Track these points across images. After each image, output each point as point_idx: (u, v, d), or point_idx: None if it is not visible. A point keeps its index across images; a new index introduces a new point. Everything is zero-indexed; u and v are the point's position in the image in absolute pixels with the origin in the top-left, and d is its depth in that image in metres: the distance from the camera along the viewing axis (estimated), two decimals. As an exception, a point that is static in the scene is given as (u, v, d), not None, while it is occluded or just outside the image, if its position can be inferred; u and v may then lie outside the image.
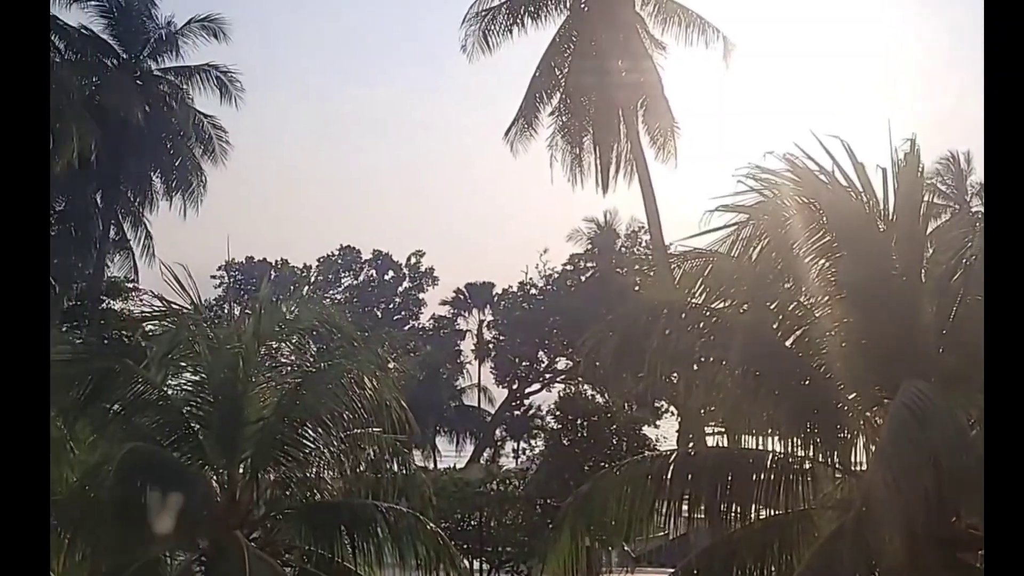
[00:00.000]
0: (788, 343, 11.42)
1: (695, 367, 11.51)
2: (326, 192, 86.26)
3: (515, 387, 56.35)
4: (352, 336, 14.43)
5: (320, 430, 12.93)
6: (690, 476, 11.48)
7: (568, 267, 55.14)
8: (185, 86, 35.93)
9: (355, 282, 60.21)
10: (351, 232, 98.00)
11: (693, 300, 11.66)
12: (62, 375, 13.05)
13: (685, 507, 11.56)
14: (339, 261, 60.21)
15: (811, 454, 11.05)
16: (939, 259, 11.01)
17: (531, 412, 55.65)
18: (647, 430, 40.32)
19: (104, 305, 38.48)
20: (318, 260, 59.79)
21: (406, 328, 55.86)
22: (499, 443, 56.15)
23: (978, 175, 41.23)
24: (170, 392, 13.68)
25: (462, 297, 58.29)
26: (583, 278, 53.67)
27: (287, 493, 13.23)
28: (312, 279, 56.25)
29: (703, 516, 11.76)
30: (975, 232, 10.88)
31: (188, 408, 13.44)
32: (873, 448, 10.38)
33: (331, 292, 56.55)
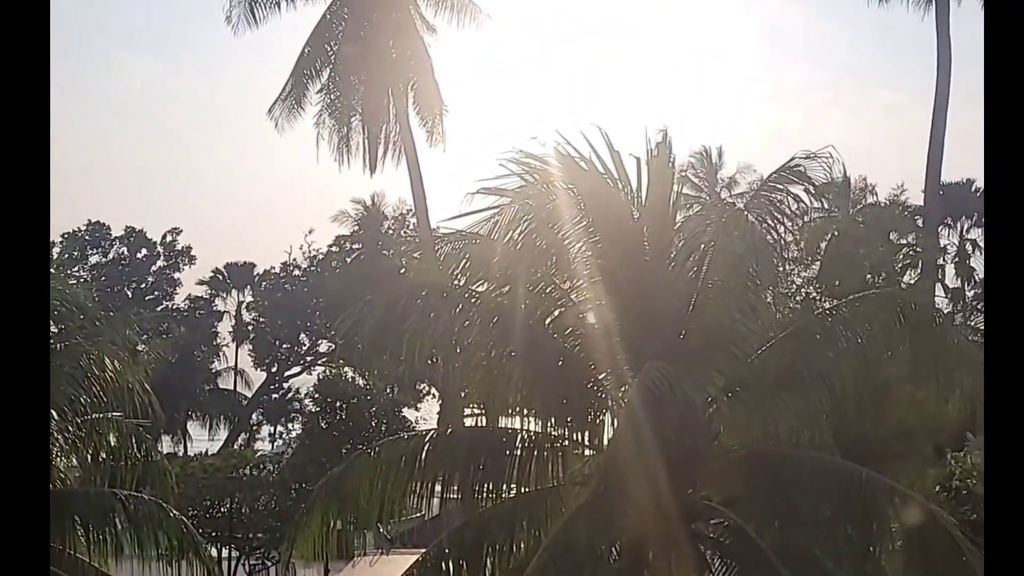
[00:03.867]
0: (545, 324, 11.62)
1: (455, 349, 11.51)
2: (74, 166, 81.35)
3: (274, 370, 55.04)
4: (95, 316, 13.62)
5: (55, 416, 12.07)
6: (444, 456, 11.50)
7: (334, 248, 54.30)
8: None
9: (104, 260, 57.02)
10: (101, 209, 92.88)
11: (455, 282, 11.66)
12: None
13: (440, 487, 11.57)
14: (86, 237, 56.83)
15: (563, 432, 11.30)
16: (685, 247, 11.53)
17: (290, 395, 54.53)
18: (408, 412, 40.25)
19: None
20: (62, 236, 56.21)
21: (159, 309, 53.39)
22: (255, 427, 54.73)
23: (728, 170, 43.51)
24: None
25: (220, 277, 56.23)
26: (348, 260, 52.99)
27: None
28: (55, 256, 52.79)
29: (458, 496, 11.80)
30: (716, 220, 11.49)
31: None
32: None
33: (76, 270, 53.35)
